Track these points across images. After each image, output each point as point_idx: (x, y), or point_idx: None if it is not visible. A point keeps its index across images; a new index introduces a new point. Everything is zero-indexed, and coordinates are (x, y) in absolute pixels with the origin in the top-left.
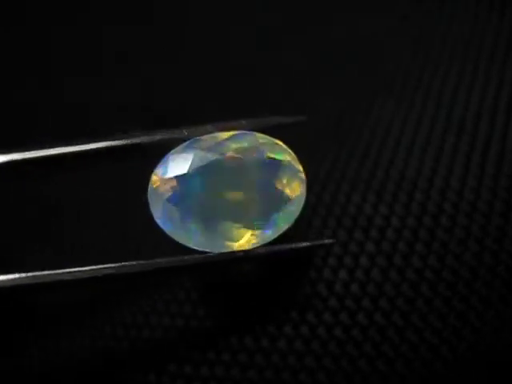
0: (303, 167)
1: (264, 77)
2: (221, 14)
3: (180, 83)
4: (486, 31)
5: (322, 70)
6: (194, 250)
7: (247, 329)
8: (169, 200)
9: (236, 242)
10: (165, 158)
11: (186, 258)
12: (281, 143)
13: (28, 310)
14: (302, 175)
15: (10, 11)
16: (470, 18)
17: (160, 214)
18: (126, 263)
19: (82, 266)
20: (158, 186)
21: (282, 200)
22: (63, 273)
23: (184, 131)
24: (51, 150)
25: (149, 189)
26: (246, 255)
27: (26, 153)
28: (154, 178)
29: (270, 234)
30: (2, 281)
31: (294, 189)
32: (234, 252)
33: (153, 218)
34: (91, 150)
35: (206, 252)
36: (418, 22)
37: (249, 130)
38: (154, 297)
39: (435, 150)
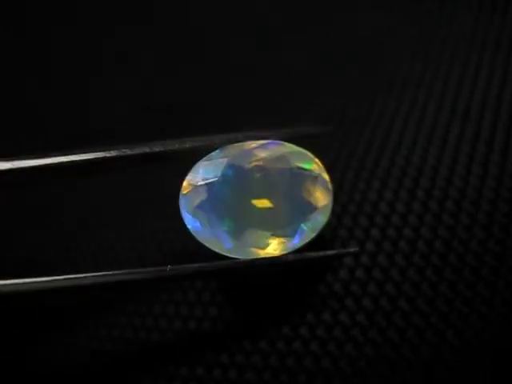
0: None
1: (264, 77)
2: (221, 14)
3: (180, 83)
4: (488, 29)
5: (323, 70)
6: (223, 255)
7: (260, 331)
8: (199, 206)
9: (263, 249)
10: (196, 166)
11: (212, 263)
12: (308, 153)
13: (41, 312)
14: (329, 185)
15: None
16: (471, 17)
17: (190, 220)
18: (152, 269)
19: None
20: (188, 193)
21: (308, 209)
22: (85, 277)
23: (215, 139)
24: (81, 155)
25: (180, 195)
26: (272, 262)
27: (51, 158)
28: (185, 184)
29: (297, 243)
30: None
31: (321, 198)
32: (262, 259)
33: (184, 223)
34: (124, 156)
35: (233, 258)
36: (419, 21)
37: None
38: (164, 299)
39: (438, 144)
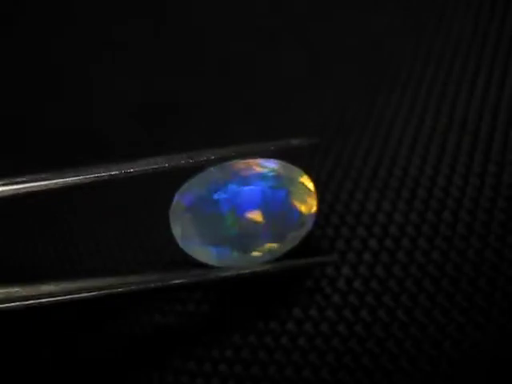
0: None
1: (264, 76)
2: (220, 14)
3: (177, 83)
4: (489, 28)
5: (322, 72)
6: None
7: (250, 326)
8: (188, 220)
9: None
10: (187, 182)
11: (189, 273)
12: (295, 168)
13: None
14: (314, 196)
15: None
16: (472, 15)
17: (179, 232)
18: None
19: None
20: (179, 208)
21: (295, 223)
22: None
23: (204, 156)
24: (71, 177)
25: (170, 210)
26: (253, 274)
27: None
28: (175, 200)
29: (280, 251)
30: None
31: (307, 210)
32: (242, 269)
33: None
34: (113, 175)
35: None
36: (421, 19)
37: (265, 153)
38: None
39: (437, 148)
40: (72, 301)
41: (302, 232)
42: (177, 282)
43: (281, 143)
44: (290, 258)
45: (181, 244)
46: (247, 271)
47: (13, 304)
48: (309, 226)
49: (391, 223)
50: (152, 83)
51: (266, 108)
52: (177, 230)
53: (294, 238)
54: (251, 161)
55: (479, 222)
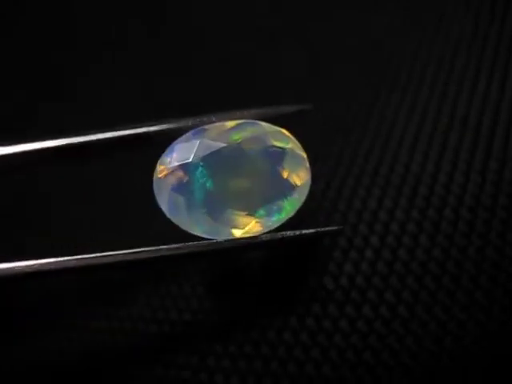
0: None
1: (265, 75)
2: (220, 14)
3: (179, 81)
4: (489, 28)
5: (324, 69)
6: (200, 237)
7: (252, 322)
8: (174, 189)
9: (241, 229)
10: (170, 148)
11: (189, 244)
12: (284, 131)
13: (33, 299)
14: (306, 163)
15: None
16: (472, 15)
17: (165, 202)
18: (131, 251)
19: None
20: (163, 176)
21: (286, 188)
22: (64, 260)
23: (189, 121)
24: (56, 141)
25: (154, 178)
26: (250, 242)
27: (32, 144)
28: (159, 167)
29: (275, 221)
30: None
31: (299, 176)
32: (238, 239)
33: (158, 206)
34: (97, 140)
35: (210, 239)
36: (421, 19)
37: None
38: (162, 292)
39: (438, 145)
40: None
41: (296, 200)
42: (166, 253)
43: (272, 109)
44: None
45: (166, 213)
46: (244, 241)
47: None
48: (301, 194)
49: (392, 220)
50: (152, 83)
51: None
52: (162, 200)
53: (288, 206)
54: (239, 122)
55: (480, 219)
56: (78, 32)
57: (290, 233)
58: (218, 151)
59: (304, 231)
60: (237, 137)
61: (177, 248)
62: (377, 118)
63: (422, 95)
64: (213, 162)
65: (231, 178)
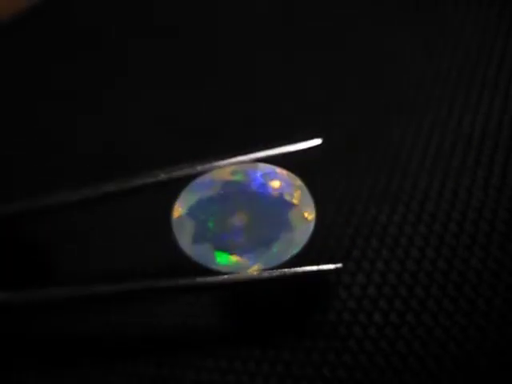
0: (315, 188)
1: (276, 96)
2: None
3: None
4: (495, 43)
5: (336, 91)
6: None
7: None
8: (187, 226)
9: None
10: (184, 191)
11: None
12: (293, 176)
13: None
14: (311, 204)
15: None
16: (478, 30)
17: (182, 239)
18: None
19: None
20: (178, 217)
21: (287, 227)
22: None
23: (197, 167)
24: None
25: (171, 219)
26: (251, 278)
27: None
28: (175, 210)
29: (275, 259)
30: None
31: (302, 217)
32: (238, 275)
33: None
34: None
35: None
36: (428, 36)
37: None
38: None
39: (444, 163)
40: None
41: (296, 236)
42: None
43: (281, 148)
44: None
45: (183, 248)
46: (243, 277)
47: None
48: (304, 231)
49: (402, 235)
50: (174, 96)
51: (283, 128)
52: (179, 236)
53: (288, 241)
54: (247, 166)
55: (481, 232)
56: (103, 45)
57: (289, 270)
58: (224, 190)
59: (304, 268)
60: (242, 181)
61: (173, 282)
62: (386, 138)
63: (428, 115)
64: (220, 202)
65: (232, 217)
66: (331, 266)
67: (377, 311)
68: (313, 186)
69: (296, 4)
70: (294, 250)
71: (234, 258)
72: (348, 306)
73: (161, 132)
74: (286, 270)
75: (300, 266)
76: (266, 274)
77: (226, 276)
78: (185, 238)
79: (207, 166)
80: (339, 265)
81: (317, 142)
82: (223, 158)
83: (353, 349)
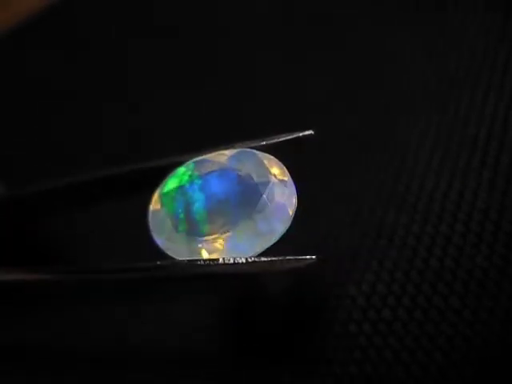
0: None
1: (276, 96)
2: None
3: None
4: (500, 45)
5: (336, 91)
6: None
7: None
8: (160, 213)
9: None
10: (164, 181)
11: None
12: (276, 161)
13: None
14: (293, 190)
15: None
16: (482, 32)
17: (153, 227)
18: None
19: None
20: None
21: (262, 215)
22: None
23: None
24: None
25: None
26: (215, 264)
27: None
28: (153, 199)
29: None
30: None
31: (277, 205)
32: (200, 260)
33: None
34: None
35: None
36: (428, 36)
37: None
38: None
39: (451, 165)
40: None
41: (272, 226)
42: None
43: (274, 138)
44: None
45: (154, 237)
46: (214, 263)
47: None
48: (282, 221)
49: (409, 235)
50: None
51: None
52: (152, 225)
53: (263, 230)
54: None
55: (487, 231)
56: (103, 45)
57: (265, 259)
58: (203, 178)
59: (273, 258)
60: (222, 163)
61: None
62: (393, 140)
63: (434, 117)
64: (199, 187)
65: (210, 201)
66: (307, 257)
67: (386, 308)
68: (314, 186)
69: (296, 4)
70: (272, 239)
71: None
72: (358, 303)
73: (161, 132)
74: (262, 258)
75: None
76: (242, 261)
77: (201, 262)
78: (159, 231)
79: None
80: (313, 256)
81: (308, 132)
82: (213, 148)
83: (362, 345)
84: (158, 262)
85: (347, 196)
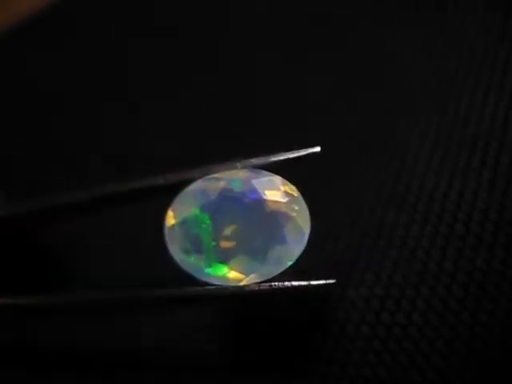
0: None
1: (276, 96)
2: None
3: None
4: (500, 45)
5: (336, 91)
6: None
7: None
8: (179, 235)
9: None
10: (178, 197)
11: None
12: (289, 184)
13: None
14: (307, 215)
15: None
16: (482, 32)
17: (173, 248)
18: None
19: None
20: (171, 224)
21: (280, 239)
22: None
23: (196, 173)
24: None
25: (164, 227)
26: (240, 290)
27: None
28: (168, 216)
29: (268, 271)
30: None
31: (297, 229)
32: (226, 287)
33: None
34: (111, 193)
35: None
36: (428, 36)
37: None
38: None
39: (451, 165)
40: None
41: (290, 248)
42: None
43: (279, 155)
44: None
45: (174, 257)
46: (231, 289)
47: None
48: (299, 242)
49: (408, 236)
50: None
51: (283, 129)
52: (171, 246)
53: (282, 253)
54: (244, 173)
55: (487, 232)
56: (103, 45)
57: (280, 284)
58: (215, 200)
59: (295, 283)
60: (237, 189)
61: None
62: (393, 140)
63: (434, 116)
64: (214, 210)
65: (225, 228)
66: (322, 282)
67: (384, 311)
68: (314, 186)
69: (296, 4)
70: (289, 261)
71: (226, 271)
72: (357, 306)
73: (161, 132)
74: (276, 283)
75: (298, 277)
76: (255, 288)
77: (213, 287)
78: (176, 248)
79: (204, 170)
80: (332, 281)
81: (316, 149)
82: (221, 164)
83: (362, 348)
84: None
85: (347, 196)
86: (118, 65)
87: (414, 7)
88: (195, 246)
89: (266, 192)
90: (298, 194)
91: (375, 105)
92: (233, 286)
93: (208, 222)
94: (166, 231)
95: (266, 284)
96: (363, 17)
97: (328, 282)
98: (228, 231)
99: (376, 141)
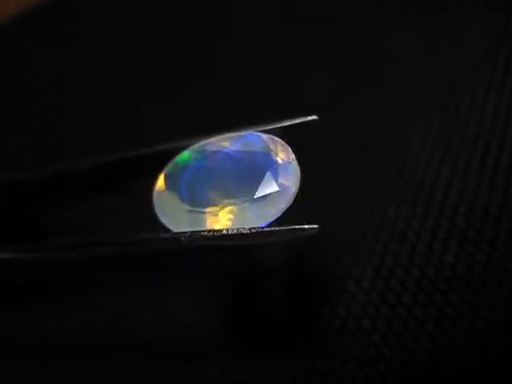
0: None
1: (277, 96)
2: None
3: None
4: (502, 45)
5: (336, 91)
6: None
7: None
8: (167, 190)
9: (214, 219)
10: (169, 163)
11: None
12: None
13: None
14: (297, 168)
15: None
16: (484, 32)
17: (158, 207)
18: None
19: None
20: (159, 190)
21: (268, 183)
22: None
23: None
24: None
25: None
26: (219, 235)
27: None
28: (158, 182)
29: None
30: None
31: (285, 178)
32: (203, 231)
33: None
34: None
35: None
36: (429, 36)
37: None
38: None
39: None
40: None
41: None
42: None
43: (277, 123)
44: None
45: (159, 216)
46: (221, 233)
47: None
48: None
49: (408, 229)
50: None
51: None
52: (157, 206)
53: (267, 199)
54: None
55: (488, 227)
56: (104, 45)
57: (259, 228)
58: (210, 158)
59: (276, 228)
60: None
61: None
62: (395, 139)
63: (436, 115)
64: (204, 166)
65: (213, 179)
66: (305, 226)
67: (384, 304)
68: (314, 185)
69: (297, 4)
70: (282, 204)
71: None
72: (358, 298)
73: (161, 132)
74: (265, 228)
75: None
76: (233, 231)
77: (204, 233)
78: (164, 211)
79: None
80: (315, 225)
81: (313, 117)
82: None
83: (362, 343)
84: (160, 235)
85: (348, 196)
86: (119, 65)
87: (416, 7)
88: (183, 206)
89: (258, 149)
90: (291, 154)
91: (376, 105)
92: (209, 230)
93: (196, 181)
94: (155, 195)
95: (246, 228)
96: (364, 17)
97: (311, 226)
98: (217, 187)
99: (377, 141)
